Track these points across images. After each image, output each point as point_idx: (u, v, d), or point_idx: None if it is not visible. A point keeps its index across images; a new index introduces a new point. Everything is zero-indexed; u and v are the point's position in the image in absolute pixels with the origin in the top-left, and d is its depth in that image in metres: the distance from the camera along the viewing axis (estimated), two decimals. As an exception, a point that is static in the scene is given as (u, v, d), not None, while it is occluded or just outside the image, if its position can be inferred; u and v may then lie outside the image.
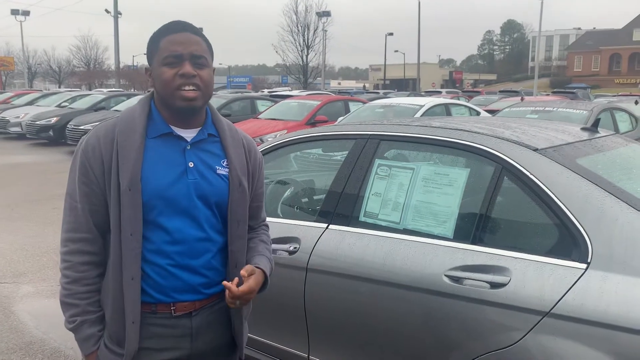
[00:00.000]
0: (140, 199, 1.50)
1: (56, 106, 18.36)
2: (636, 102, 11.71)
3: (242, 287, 1.54)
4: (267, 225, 1.89)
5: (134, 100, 15.78)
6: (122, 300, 1.52)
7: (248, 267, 1.59)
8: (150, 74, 1.60)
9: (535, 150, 2.20)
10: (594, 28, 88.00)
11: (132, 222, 1.50)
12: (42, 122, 15.99)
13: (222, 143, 1.65)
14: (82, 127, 13.96)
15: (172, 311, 1.58)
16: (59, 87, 52.18)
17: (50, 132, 15.84)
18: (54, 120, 15.88)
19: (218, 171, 1.61)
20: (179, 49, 1.51)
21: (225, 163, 1.63)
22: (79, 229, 1.54)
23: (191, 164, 1.57)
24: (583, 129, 2.75)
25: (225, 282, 1.53)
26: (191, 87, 1.51)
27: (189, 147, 1.58)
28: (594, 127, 2.75)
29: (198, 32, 1.58)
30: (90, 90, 37.51)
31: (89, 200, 1.54)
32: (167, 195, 1.53)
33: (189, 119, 1.59)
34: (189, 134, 1.60)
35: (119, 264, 1.52)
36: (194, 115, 1.59)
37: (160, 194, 1.52)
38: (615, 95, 28.01)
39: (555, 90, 33.67)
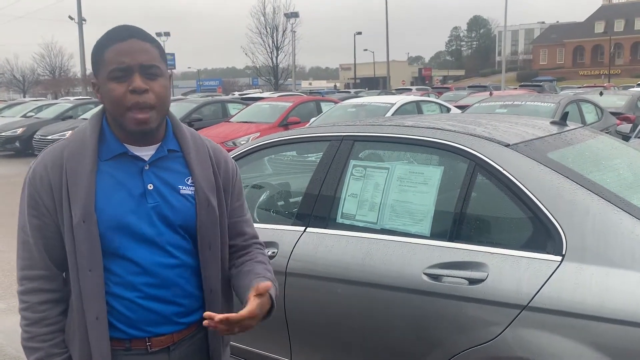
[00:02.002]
0: (97, 231, 1.36)
1: (21, 116, 17.90)
2: (601, 94, 12.01)
3: (243, 312, 1.33)
4: (260, 244, 1.66)
5: (103, 108, 15.47)
6: (89, 343, 1.39)
7: (261, 285, 1.37)
8: (98, 89, 1.42)
9: (507, 145, 2.23)
10: (558, 22, 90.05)
11: (90, 257, 1.36)
12: (8, 133, 15.58)
13: (185, 158, 1.48)
14: (49, 137, 13.66)
15: (148, 347, 1.44)
16: (24, 97, 51.01)
17: (17, 144, 15.46)
18: (19, 131, 15.49)
19: (182, 191, 1.45)
20: (126, 60, 1.34)
21: (190, 181, 1.46)
22: (35, 265, 1.40)
23: (150, 186, 1.41)
24: (552, 122, 2.79)
25: (208, 313, 1.31)
26: (142, 109, 1.35)
27: (147, 167, 1.43)
28: (562, 120, 2.80)
29: (147, 37, 1.40)
30: (56, 99, 36.71)
31: (42, 234, 1.39)
32: (126, 224, 1.38)
33: (145, 138, 1.44)
34: (146, 152, 1.44)
35: (80, 304, 1.38)
36: (149, 136, 1.44)
37: (118, 224, 1.38)
38: (580, 87, 28.65)
39: (522, 83, 34.22)
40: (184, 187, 1.46)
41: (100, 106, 1.48)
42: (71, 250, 1.37)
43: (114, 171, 1.41)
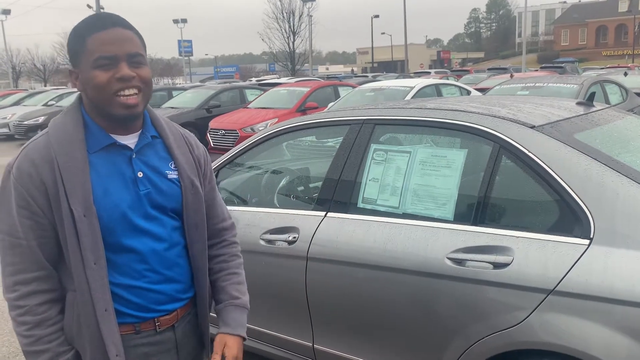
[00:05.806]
0: (98, 224, 1.37)
1: (43, 105, 18.14)
2: (625, 74, 11.74)
3: None
4: (232, 232, 1.73)
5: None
6: (101, 335, 1.39)
7: (217, 345, 1.56)
8: (77, 77, 1.41)
9: (533, 127, 2.18)
10: (580, 1, 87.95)
11: (94, 249, 1.37)
12: (30, 121, 15.85)
13: (165, 144, 1.52)
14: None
15: (157, 327, 1.50)
16: (45, 86, 51.69)
17: (39, 132, 15.67)
18: (41, 119, 15.74)
19: (169, 176, 1.49)
20: (112, 49, 1.34)
21: (173, 165, 1.51)
22: (28, 268, 1.37)
23: (140, 174, 1.44)
24: (579, 103, 2.73)
25: None
26: (132, 91, 1.37)
27: (134, 156, 1.45)
28: (589, 101, 2.73)
29: (129, 25, 1.40)
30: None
31: (36, 233, 1.37)
32: (124, 214, 1.40)
33: (129, 124, 1.44)
34: (131, 140, 1.45)
35: (88, 297, 1.38)
36: (135, 121, 1.45)
37: (116, 214, 1.40)
38: (603, 68, 28.05)
39: (543, 65, 33.64)
40: (170, 172, 1.50)
41: (75, 98, 1.47)
42: (74, 244, 1.36)
43: (105, 162, 1.42)
